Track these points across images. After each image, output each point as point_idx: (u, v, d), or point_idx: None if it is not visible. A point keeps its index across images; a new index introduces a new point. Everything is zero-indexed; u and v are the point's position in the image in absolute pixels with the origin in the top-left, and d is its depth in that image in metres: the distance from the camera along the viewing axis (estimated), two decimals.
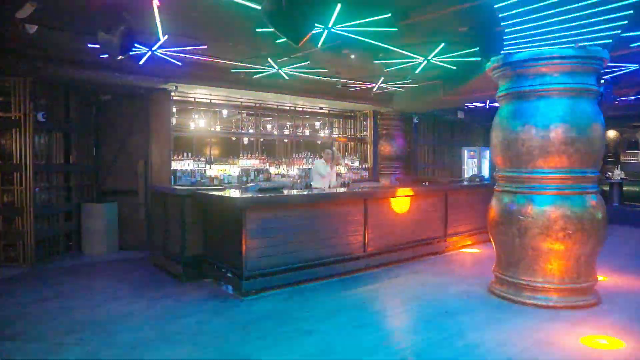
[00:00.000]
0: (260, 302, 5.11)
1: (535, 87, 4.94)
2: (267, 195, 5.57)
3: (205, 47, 5.76)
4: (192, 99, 8.78)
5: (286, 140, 11.49)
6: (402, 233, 6.98)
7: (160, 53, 5.87)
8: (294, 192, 6.39)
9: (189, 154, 8.39)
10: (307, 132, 11.07)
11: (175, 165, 8.19)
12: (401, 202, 6.96)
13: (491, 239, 5.63)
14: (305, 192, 6.48)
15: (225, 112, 11.49)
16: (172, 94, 8.11)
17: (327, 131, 11.29)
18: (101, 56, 5.60)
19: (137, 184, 8.12)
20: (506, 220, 5.17)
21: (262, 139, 11.66)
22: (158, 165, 8.06)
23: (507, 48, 5.10)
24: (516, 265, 5.14)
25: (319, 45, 5.39)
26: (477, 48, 5.85)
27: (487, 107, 11.33)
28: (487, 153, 12.12)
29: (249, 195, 5.47)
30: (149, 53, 5.87)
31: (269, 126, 12.91)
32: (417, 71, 7.10)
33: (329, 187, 8.32)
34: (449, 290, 5.62)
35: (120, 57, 4.73)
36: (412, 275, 6.32)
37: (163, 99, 7.99)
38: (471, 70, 7.21)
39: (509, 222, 5.13)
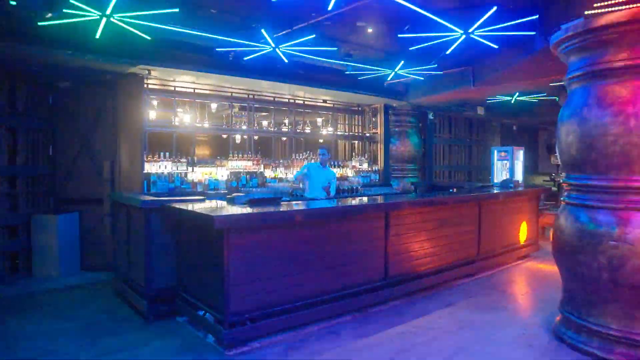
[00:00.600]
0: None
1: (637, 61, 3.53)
2: (258, 210, 4.14)
3: (177, 11, 4.32)
4: (172, 88, 7.33)
5: (284, 139, 10.06)
6: (430, 253, 5.56)
7: (118, 19, 4.41)
8: (296, 205, 4.94)
9: (167, 155, 6.94)
10: (307, 130, 9.63)
11: (150, 167, 6.74)
12: (429, 214, 5.54)
13: (558, 267, 4.22)
14: (311, 205, 5.04)
15: (214, 106, 10.06)
16: (146, 81, 6.66)
17: (330, 129, 9.87)
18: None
19: (103, 190, 6.67)
20: (587, 246, 3.75)
21: (256, 137, 10.25)
22: (128, 167, 6.61)
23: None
24: (602, 308, 3.72)
25: (330, 5, 3.95)
26: (536, 16, 4.42)
27: (513, 101, 9.92)
28: (521, 154, 10.69)
29: (234, 211, 4.03)
30: (104, 20, 4.41)
31: (264, 122, 11.46)
32: (449, 50, 5.67)
33: (327, 196, 6.90)
34: (501, 334, 4.20)
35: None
36: (446, 310, 4.88)
37: (134, 87, 6.53)
38: (518, 49, 5.80)
39: (593, 249, 3.70)
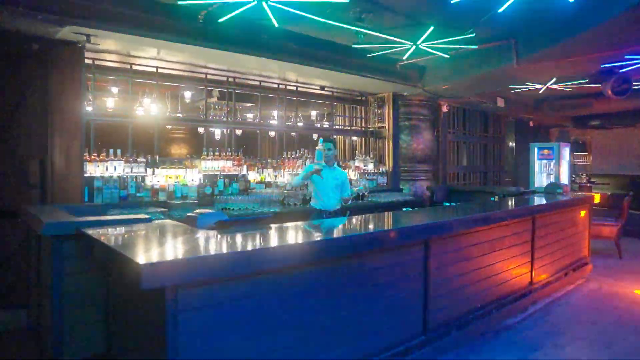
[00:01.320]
0: None
1: None
2: (233, 245, 2.49)
3: None
4: (128, 66, 5.63)
5: (272, 134, 8.41)
6: (478, 288, 3.98)
7: None
8: (295, 230, 3.27)
9: (119, 152, 5.25)
10: (300, 124, 8.00)
11: (94, 169, 5.05)
12: (478, 235, 3.95)
13: None
14: (325, 231, 3.40)
15: (188, 94, 8.37)
16: (92, 55, 4.97)
17: (327, 124, 8.25)
18: None
19: (29, 199, 4.94)
20: None
21: (239, 132, 8.58)
22: (63, 169, 4.89)
23: None
24: None
25: None
26: None
27: (543, 90, 8.42)
28: (567, 152, 9.14)
29: (187, 248, 2.38)
30: None
31: (249, 115, 9.77)
32: (502, 8, 4.08)
33: (343, 203, 5.30)
34: None
35: None
36: None
37: (70, 61, 4.83)
38: (593, 10, 4.25)
39: None
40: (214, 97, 8.33)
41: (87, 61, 5.23)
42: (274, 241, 2.72)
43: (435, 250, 3.39)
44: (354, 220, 3.72)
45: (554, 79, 7.71)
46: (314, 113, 10.00)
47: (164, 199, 5.35)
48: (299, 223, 3.40)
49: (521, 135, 13.00)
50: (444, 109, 9.06)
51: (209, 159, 5.96)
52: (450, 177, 9.56)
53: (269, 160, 6.59)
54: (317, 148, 7.51)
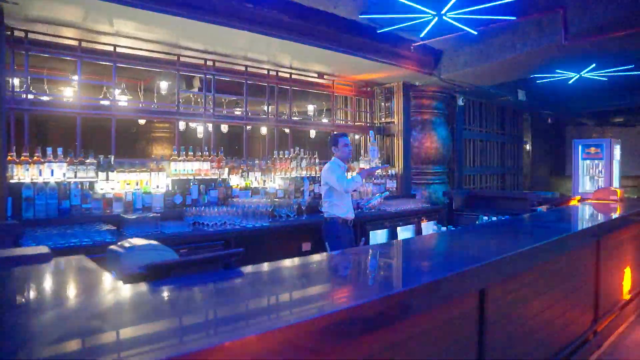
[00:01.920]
0: None
1: None
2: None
3: None
4: (73, 43, 4.45)
5: (264, 132, 7.28)
6: (535, 340, 2.83)
7: None
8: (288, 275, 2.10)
9: (59, 152, 4.07)
10: (296, 117, 6.85)
11: (23, 173, 3.88)
12: (541, 268, 2.79)
13: None
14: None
15: (164, 85, 7.22)
16: (23, 27, 3.81)
17: (325, 120, 7.10)
18: None
19: None
20: None
21: (225, 128, 7.49)
22: None
23: None
24: None
25: None
26: None
27: (573, 80, 7.29)
28: (618, 151, 7.97)
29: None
30: None
31: (238, 111, 8.60)
32: None
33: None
34: None
35: None
36: None
37: None
38: None
39: None
40: (194, 87, 7.19)
41: (17, 34, 4.07)
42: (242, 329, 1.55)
43: (493, 301, 2.24)
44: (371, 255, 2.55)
45: (592, 65, 6.57)
46: (311, 108, 8.85)
47: (120, 211, 4.18)
48: (290, 264, 2.22)
49: (537, 133, 11.88)
50: (460, 102, 7.92)
51: (180, 160, 4.79)
52: (465, 180, 8.42)
53: (257, 162, 5.41)
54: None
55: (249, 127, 5.92)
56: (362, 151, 7.14)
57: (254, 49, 5.12)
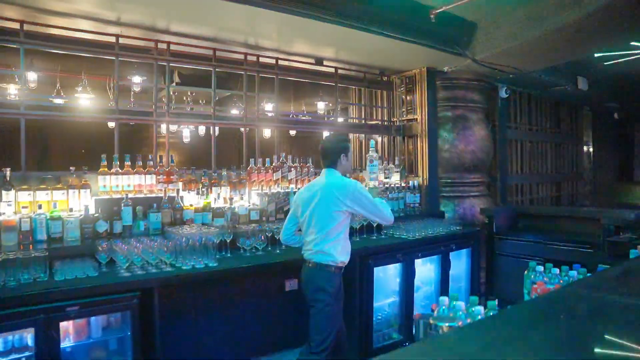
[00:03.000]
0: None
1: None
2: None
3: None
4: (13, 26, 3.35)
5: (268, 134, 6.07)
6: None
7: None
8: None
9: None
10: (305, 117, 5.52)
11: None
12: None
13: None
14: None
15: (137, 79, 6.10)
16: None
17: (329, 117, 5.71)
18: None
19: None
20: None
21: (201, 130, 6.37)
22: None
23: None
24: None
25: None
26: None
27: None
28: None
29: None
30: None
31: (234, 111, 7.35)
32: None
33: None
34: None
35: None
36: None
37: None
38: None
39: None
40: (173, 81, 6.03)
41: None
42: None
43: None
44: None
45: None
46: (321, 105, 7.51)
47: (12, 244, 2.99)
48: None
49: (601, 131, 9.93)
50: (503, 93, 6.31)
51: (110, 173, 3.55)
52: (510, 191, 6.76)
53: (225, 173, 4.10)
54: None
55: (229, 130, 4.64)
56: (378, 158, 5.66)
57: (252, 32, 3.88)
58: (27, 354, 2.44)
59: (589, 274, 2.15)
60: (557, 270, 2.16)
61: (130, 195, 3.51)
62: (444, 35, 4.61)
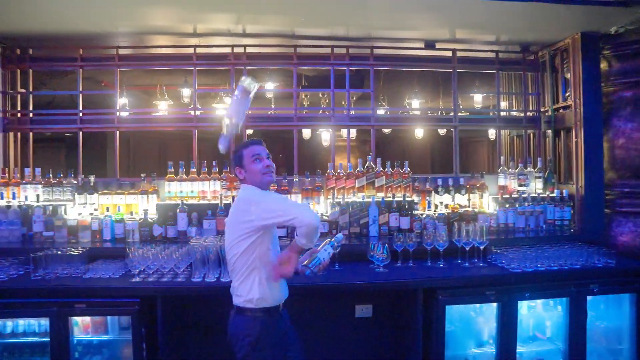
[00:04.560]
0: None
1: None
2: None
3: None
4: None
5: (362, 138, 5.55)
6: None
7: None
8: None
9: (37, 172, 3.58)
10: (406, 112, 4.78)
11: None
12: None
13: None
14: None
15: (270, 85, 6.30)
16: None
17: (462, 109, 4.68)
18: None
19: None
20: None
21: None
22: None
23: None
24: None
25: None
26: None
27: None
28: None
29: None
30: None
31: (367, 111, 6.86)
32: None
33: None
34: None
35: None
36: None
37: None
38: None
39: None
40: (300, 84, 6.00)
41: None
42: None
43: None
44: None
45: None
46: (478, 98, 6.31)
47: (87, 242, 3.37)
48: None
49: None
50: None
51: (176, 180, 3.65)
52: None
53: (296, 179, 3.75)
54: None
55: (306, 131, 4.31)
56: (501, 158, 4.33)
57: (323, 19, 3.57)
58: (46, 339, 2.65)
59: None
60: None
61: (191, 202, 3.55)
62: None
